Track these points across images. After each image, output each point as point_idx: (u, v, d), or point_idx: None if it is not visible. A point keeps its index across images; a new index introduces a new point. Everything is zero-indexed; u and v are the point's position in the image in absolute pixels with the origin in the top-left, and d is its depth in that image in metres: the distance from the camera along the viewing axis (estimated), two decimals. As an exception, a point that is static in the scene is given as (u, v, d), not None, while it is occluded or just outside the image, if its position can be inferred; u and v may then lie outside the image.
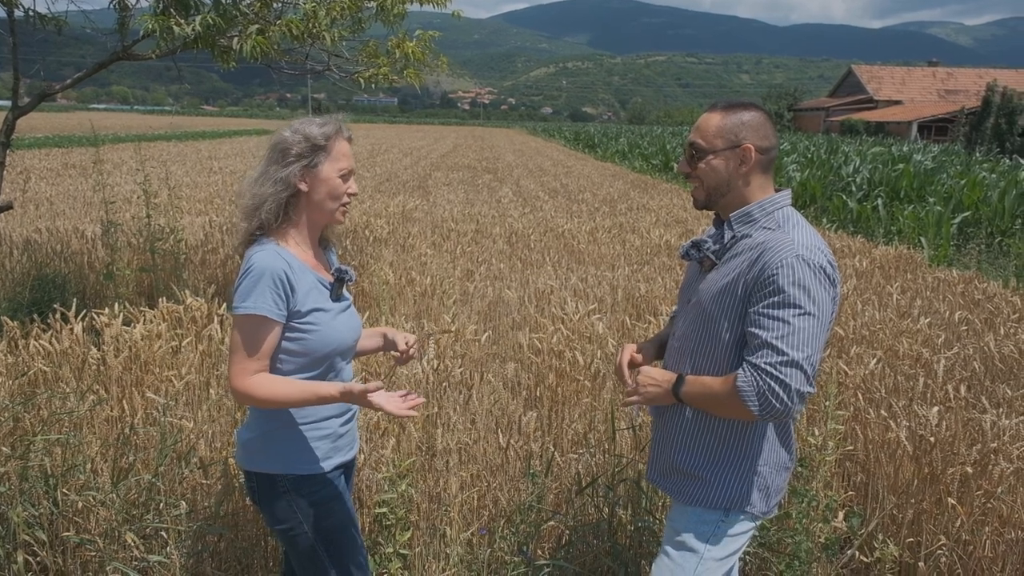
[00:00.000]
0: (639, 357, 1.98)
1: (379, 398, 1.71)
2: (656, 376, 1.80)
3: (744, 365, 1.62)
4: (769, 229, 1.70)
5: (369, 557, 2.19)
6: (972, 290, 6.15)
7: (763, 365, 1.58)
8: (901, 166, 15.22)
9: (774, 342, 1.57)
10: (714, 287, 1.74)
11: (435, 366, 3.53)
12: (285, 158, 1.79)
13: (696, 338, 1.78)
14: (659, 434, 1.92)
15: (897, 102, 50.70)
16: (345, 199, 1.86)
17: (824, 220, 12.18)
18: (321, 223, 1.90)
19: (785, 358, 1.56)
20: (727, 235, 1.77)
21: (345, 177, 1.84)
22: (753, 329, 1.63)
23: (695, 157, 1.76)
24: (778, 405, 1.57)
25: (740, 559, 2.59)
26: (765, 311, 1.61)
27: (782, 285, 1.59)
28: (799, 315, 1.58)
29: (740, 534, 1.81)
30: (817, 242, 1.67)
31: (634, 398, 1.82)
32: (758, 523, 1.86)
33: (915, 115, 42.01)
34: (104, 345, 3.49)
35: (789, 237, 1.65)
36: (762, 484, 1.78)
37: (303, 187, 1.80)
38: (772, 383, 1.56)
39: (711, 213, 1.86)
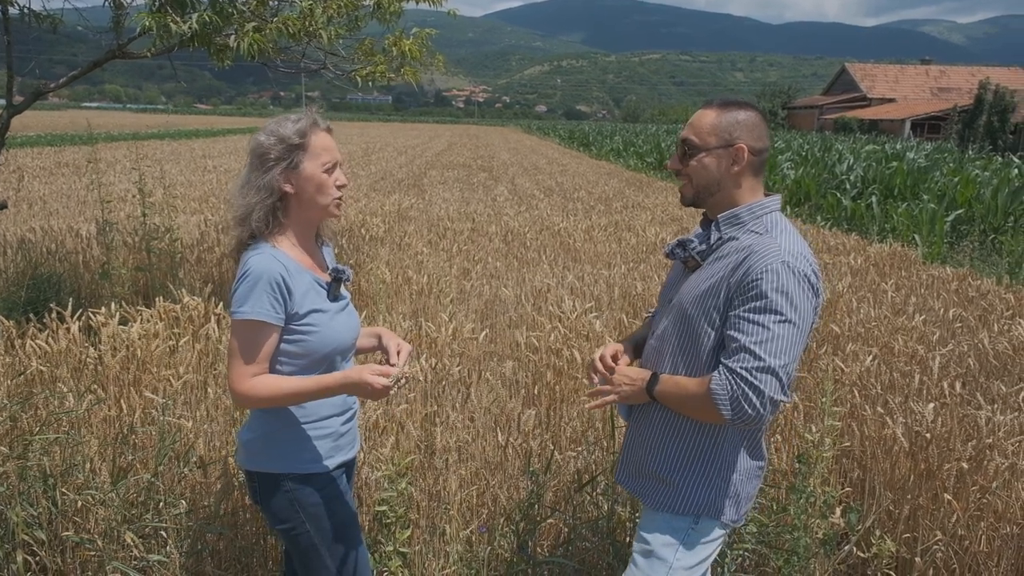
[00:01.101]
0: (623, 357, 1.93)
1: (378, 380, 1.71)
2: (631, 374, 1.79)
3: (720, 368, 1.60)
4: (756, 233, 1.68)
5: (370, 555, 2.19)
6: (966, 287, 6.19)
7: (739, 369, 1.56)
8: (895, 164, 15.29)
9: (752, 347, 1.55)
10: (697, 289, 1.72)
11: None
12: (264, 163, 1.76)
13: (675, 339, 1.76)
14: (631, 436, 1.90)
15: (890, 100, 50.89)
16: (336, 192, 1.83)
17: (819, 218, 12.22)
18: (316, 221, 1.88)
19: (762, 364, 1.54)
20: (713, 236, 1.74)
21: (330, 170, 1.80)
22: (732, 332, 1.60)
23: (687, 154, 1.73)
24: (750, 411, 1.55)
25: (734, 560, 2.61)
26: (746, 315, 1.59)
27: (765, 290, 1.57)
28: (779, 322, 1.56)
29: (711, 541, 1.79)
30: (803, 250, 1.64)
31: (610, 397, 1.81)
32: (728, 531, 1.84)
33: (908, 113, 42.18)
34: (101, 344, 3.49)
35: (776, 243, 1.63)
36: (733, 491, 1.76)
37: (289, 189, 1.78)
38: (746, 388, 1.55)
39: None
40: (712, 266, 1.71)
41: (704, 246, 1.76)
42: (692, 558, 1.77)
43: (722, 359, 1.62)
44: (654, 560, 1.77)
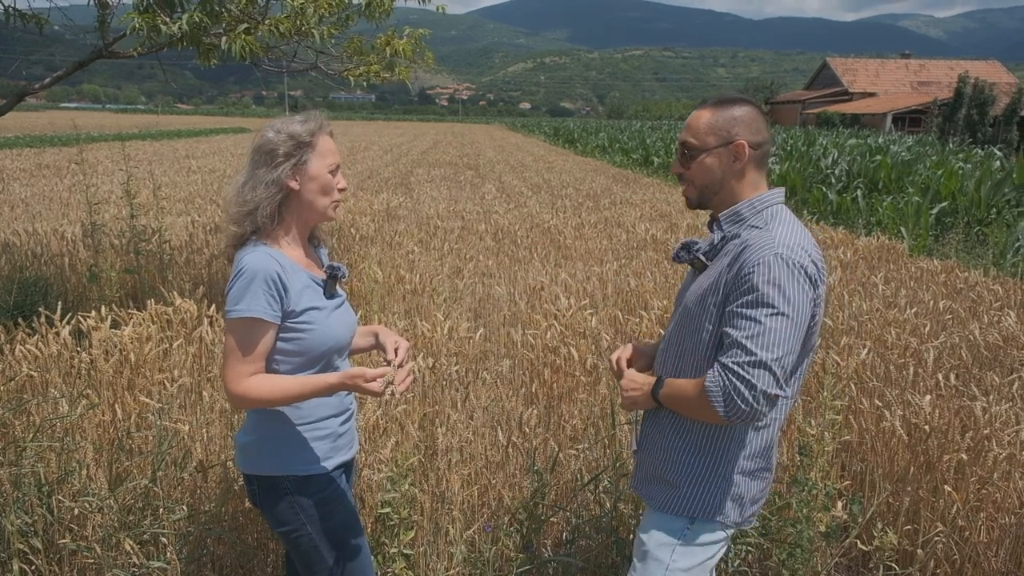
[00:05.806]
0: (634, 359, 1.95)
1: (376, 385, 1.70)
2: (638, 380, 1.79)
3: (715, 364, 1.59)
4: (756, 228, 1.67)
5: (372, 556, 2.18)
6: (954, 279, 6.24)
7: (731, 364, 1.53)
8: (879, 158, 15.39)
9: (743, 341, 1.53)
10: (699, 288, 1.71)
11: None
12: (273, 159, 1.77)
13: (680, 340, 1.76)
14: (642, 442, 1.89)
15: (871, 94, 51.28)
16: (336, 195, 1.86)
17: (805, 212, 12.30)
18: (313, 221, 1.89)
19: (753, 358, 1.52)
20: (716, 236, 1.73)
21: (333, 172, 1.84)
22: (726, 328, 1.59)
23: (688, 156, 1.72)
24: (743, 406, 1.52)
25: (738, 554, 2.62)
26: (739, 310, 1.57)
27: (756, 283, 1.55)
28: (771, 315, 1.53)
29: (709, 544, 1.76)
30: (802, 241, 1.62)
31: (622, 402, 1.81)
32: (731, 533, 1.80)
33: (889, 107, 42.51)
34: (92, 348, 3.43)
35: (771, 235, 1.61)
36: (736, 493, 1.73)
37: (294, 185, 1.79)
38: (738, 383, 1.52)
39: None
40: (715, 265, 1.71)
41: (708, 246, 1.75)
42: (690, 560, 1.74)
43: (718, 355, 1.60)
44: (650, 561, 1.75)
